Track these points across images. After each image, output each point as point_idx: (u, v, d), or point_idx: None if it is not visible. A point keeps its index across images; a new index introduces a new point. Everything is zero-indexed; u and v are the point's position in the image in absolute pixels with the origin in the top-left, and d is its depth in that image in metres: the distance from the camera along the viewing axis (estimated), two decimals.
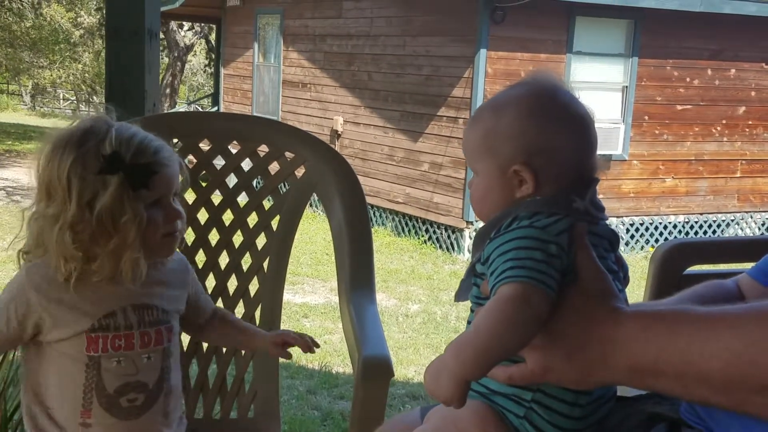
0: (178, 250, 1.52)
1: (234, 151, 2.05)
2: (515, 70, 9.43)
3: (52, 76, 26.78)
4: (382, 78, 10.87)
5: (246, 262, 2.04)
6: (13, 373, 2.64)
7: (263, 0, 13.41)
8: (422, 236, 10.10)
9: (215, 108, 15.29)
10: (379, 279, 6.78)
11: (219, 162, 2.04)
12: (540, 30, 9.47)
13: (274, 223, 2.04)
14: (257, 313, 2.03)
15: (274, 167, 2.05)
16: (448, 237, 9.69)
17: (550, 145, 1.10)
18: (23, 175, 13.84)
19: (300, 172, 2.04)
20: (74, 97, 33.19)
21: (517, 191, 1.11)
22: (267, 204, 2.05)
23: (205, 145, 2.03)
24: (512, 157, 1.10)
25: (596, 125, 1.16)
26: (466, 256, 9.34)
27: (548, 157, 1.10)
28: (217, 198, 2.05)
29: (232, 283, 2.03)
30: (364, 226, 1.96)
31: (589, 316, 1.02)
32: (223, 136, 2.04)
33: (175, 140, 1.99)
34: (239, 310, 1.99)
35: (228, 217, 2.03)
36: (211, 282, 1.98)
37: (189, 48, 22.80)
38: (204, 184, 2.03)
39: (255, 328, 1.80)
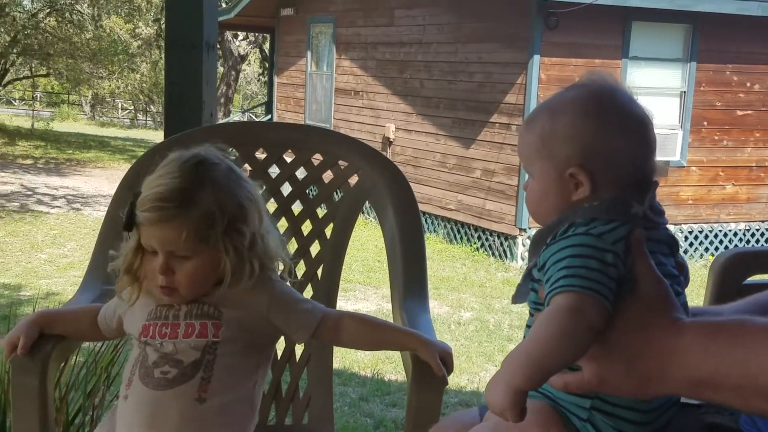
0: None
1: (289, 160, 2.08)
2: (569, 76, 9.34)
3: (110, 86, 27.37)
4: (434, 85, 10.87)
5: (300, 269, 2.05)
6: (75, 378, 2.70)
7: (316, 9, 13.53)
8: (474, 243, 10.05)
9: (269, 116, 15.46)
10: (432, 286, 6.76)
11: (274, 171, 2.07)
12: (595, 35, 9.37)
13: (328, 231, 2.06)
14: None
15: (327, 176, 2.07)
16: (501, 244, 9.63)
17: (608, 147, 1.08)
18: (83, 183, 14.18)
19: (353, 180, 2.06)
20: (132, 107, 33.89)
21: (573, 194, 1.09)
22: (321, 212, 2.07)
23: (260, 154, 2.06)
24: (568, 159, 1.09)
25: (654, 131, 1.14)
26: (519, 264, 9.27)
27: (605, 160, 1.08)
28: (272, 206, 2.06)
29: None
30: (417, 233, 1.96)
31: (647, 327, 1.01)
32: (278, 145, 2.08)
33: (231, 149, 2.02)
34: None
35: (282, 225, 2.06)
36: None
37: (243, 57, 23.12)
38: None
39: (404, 329, 1.67)
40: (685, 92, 9.88)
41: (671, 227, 1.16)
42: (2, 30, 20.67)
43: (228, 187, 1.44)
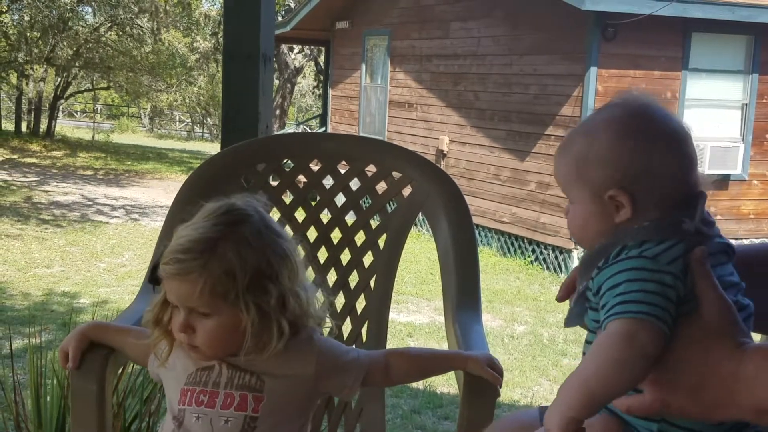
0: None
1: (343, 171, 2.08)
2: (627, 88, 9.21)
3: (169, 99, 27.94)
4: (488, 97, 10.82)
5: (353, 279, 2.05)
6: (132, 384, 2.74)
7: (371, 22, 13.61)
8: (528, 257, 9.95)
9: (323, 129, 15.58)
10: (485, 299, 6.71)
11: (328, 182, 2.08)
12: (654, 46, 9.23)
13: (381, 242, 2.05)
14: (364, 330, 2.04)
15: (381, 187, 2.07)
16: (555, 258, 9.52)
17: (645, 166, 1.06)
18: (141, 194, 14.46)
19: (407, 191, 2.06)
20: (189, 119, 34.50)
21: (615, 216, 1.07)
22: (374, 223, 2.07)
23: (315, 166, 2.07)
24: (606, 182, 1.07)
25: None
26: None
27: (645, 179, 1.06)
28: (326, 217, 2.08)
29: (340, 300, 2.04)
30: (471, 245, 1.95)
31: (711, 352, 0.98)
32: (333, 156, 2.08)
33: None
34: (346, 327, 2.00)
35: (336, 235, 2.06)
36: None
37: (298, 70, 23.36)
38: (313, 204, 2.07)
39: (447, 351, 1.67)
40: (746, 104, 9.66)
41: (732, 242, 1.12)
42: (65, 44, 21.26)
43: (255, 241, 1.34)
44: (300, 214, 2.06)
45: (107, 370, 1.53)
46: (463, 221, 1.96)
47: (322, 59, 20.47)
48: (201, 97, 28.95)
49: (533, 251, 9.91)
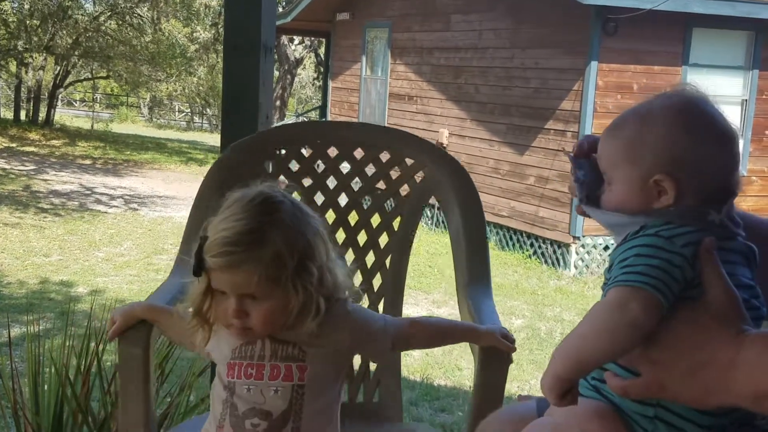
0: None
1: (359, 157, 2.19)
2: (627, 83, 9.21)
3: (168, 89, 27.89)
4: (489, 91, 10.81)
5: (370, 258, 2.16)
6: None
7: (372, 14, 13.58)
8: (527, 251, 9.96)
9: (322, 120, 15.56)
10: None
11: (345, 166, 2.19)
12: (654, 41, 9.23)
13: (395, 224, 2.17)
14: (380, 306, 2.15)
15: (395, 172, 2.16)
16: (554, 252, 9.53)
17: (697, 158, 1.09)
18: (140, 183, 14.45)
19: (419, 176, 2.16)
20: (189, 110, 34.46)
21: (655, 201, 1.10)
22: (388, 206, 2.19)
23: (333, 152, 2.18)
24: (655, 167, 1.09)
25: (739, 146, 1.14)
26: (572, 272, 9.16)
27: (693, 171, 1.08)
28: (343, 200, 2.20)
29: (357, 278, 2.13)
30: (480, 224, 2.07)
31: (712, 337, 0.98)
32: (350, 143, 2.19)
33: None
34: (364, 303, 2.11)
35: (353, 217, 2.18)
36: None
37: (299, 61, 23.33)
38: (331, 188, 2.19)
39: (464, 323, 1.78)
40: (746, 100, 9.66)
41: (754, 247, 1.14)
42: (65, 33, 21.22)
43: (295, 225, 1.41)
44: (319, 198, 2.17)
45: (151, 336, 1.67)
46: (472, 202, 2.08)
47: (322, 51, 20.44)
48: (200, 88, 28.88)
49: (531, 245, 9.92)
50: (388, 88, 13.08)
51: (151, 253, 8.79)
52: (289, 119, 22.14)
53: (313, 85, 31.70)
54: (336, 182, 2.16)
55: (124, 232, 9.90)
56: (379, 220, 2.17)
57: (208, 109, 32.90)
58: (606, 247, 9.18)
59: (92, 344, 2.75)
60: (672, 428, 1.05)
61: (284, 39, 20.40)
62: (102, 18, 22.32)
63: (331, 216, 2.12)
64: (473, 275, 1.98)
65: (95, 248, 8.95)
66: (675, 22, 9.18)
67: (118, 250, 8.93)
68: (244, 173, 1.92)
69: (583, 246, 9.28)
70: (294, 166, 2.15)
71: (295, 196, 2.04)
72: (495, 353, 1.59)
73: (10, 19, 21.12)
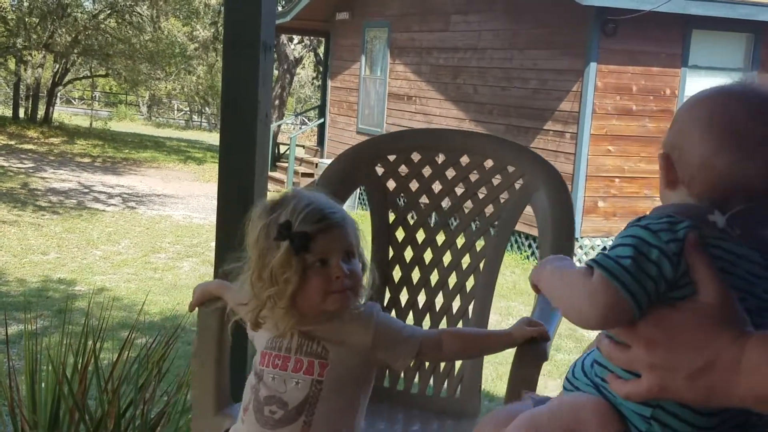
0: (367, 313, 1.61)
1: (464, 164, 2.31)
2: (626, 84, 9.21)
3: (167, 87, 27.85)
4: (487, 91, 10.81)
5: (465, 262, 2.28)
6: (127, 372, 2.74)
7: (371, 13, 13.58)
8: (525, 252, 9.96)
9: (321, 120, 15.56)
10: None
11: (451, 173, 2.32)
12: (654, 43, 9.23)
13: (492, 229, 2.31)
14: (470, 307, 2.26)
15: (497, 179, 2.27)
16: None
17: (691, 143, 1.09)
18: (138, 182, 14.43)
19: (518, 183, 2.27)
20: (188, 108, 34.44)
21: (664, 178, 1.12)
22: (488, 211, 2.30)
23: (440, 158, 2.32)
24: (665, 140, 1.13)
25: None
26: None
27: (685, 155, 1.09)
28: (446, 203, 2.34)
29: (452, 279, 2.29)
30: (569, 227, 2.15)
31: (712, 339, 0.97)
32: (456, 150, 2.30)
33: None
34: (456, 303, 2.28)
35: (452, 221, 2.33)
36: (434, 276, 2.31)
37: (298, 61, 23.30)
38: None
39: (495, 331, 1.83)
40: None
41: None
42: (64, 30, 21.19)
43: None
44: (424, 200, 2.33)
45: (225, 311, 1.78)
46: (565, 211, 2.16)
47: (321, 50, 20.43)
48: (200, 87, 28.86)
49: (530, 246, 9.92)
50: (387, 87, 13.08)
51: (148, 252, 8.78)
52: (288, 119, 22.14)
53: (312, 84, 31.68)
54: (441, 187, 2.33)
55: (122, 231, 9.89)
56: (478, 224, 2.29)
57: (207, 108, 32.88)
58: (604, 248, 9.16)
59: (89, 342, 2.75)
60: (667, 428, 1.05)
61: (284, 38, 20.38)
62: (101, 16, 22.30)
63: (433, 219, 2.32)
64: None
65: (93, 246, 8.94)
66: (674, 24, 9.19)
67: (115, 249, 8.92)
68: (361, 170, 2.28)
69: (581, 247, 9.28)
70: (403, 169, 2.33)
71: (402, 198, 2.33)
72: (530, 351, 1.63)
73: (10, 17, 21.09)
